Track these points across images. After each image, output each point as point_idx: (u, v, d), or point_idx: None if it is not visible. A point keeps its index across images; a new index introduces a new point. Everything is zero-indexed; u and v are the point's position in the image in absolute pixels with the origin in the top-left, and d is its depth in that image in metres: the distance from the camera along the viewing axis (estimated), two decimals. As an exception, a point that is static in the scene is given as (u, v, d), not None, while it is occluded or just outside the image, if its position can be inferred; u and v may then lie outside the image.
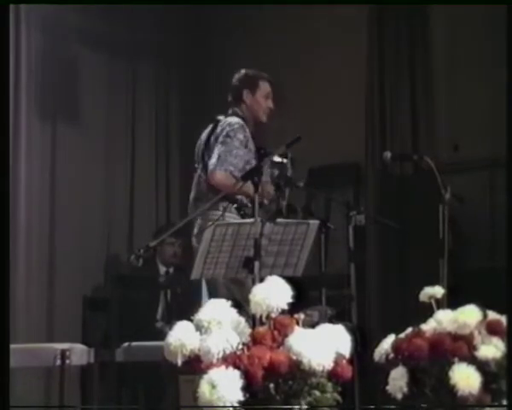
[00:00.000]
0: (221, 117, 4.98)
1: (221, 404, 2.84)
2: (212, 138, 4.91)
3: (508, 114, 3.89)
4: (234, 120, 4.89)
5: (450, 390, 3.19)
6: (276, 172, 4.84)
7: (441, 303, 3.56)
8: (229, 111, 5.00)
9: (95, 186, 7.26)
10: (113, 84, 7.51)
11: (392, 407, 3.31)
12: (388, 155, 5.45)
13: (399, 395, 3.27)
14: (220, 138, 4.84)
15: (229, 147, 4.80)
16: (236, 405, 2.86)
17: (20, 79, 6.59)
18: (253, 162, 4.79)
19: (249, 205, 4.72)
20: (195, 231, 4.83)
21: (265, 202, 4.72)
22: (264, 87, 5.01)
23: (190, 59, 8.01)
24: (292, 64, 7.59)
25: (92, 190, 7.21)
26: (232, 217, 4.69)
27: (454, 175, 5.93)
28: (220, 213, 4.61)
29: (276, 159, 4.82)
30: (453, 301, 3.59)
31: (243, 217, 4.73)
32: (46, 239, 6.81)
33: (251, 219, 4.29)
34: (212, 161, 4.81)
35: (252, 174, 4.29)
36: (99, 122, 7.37)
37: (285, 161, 4.84)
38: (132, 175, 7.64)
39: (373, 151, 7.24)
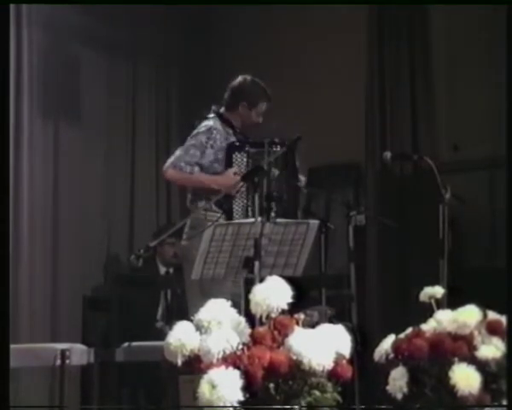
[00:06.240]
0: (208, 115, 5.09)
1: (221, 404, 2.84)
2: None
3: (508, 114, 3.89)
4: (206, 123, 4.99)
5: (450, 390, 3.19)
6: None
7: (441, 303, 3.56)
8: (221, 109, 5.06)
9: (95, 186, 7.26)
10: (114, 84, 7.52)
11: (392, 407, 3.32)
12: (388, 155, 5.44)
13: (399, 395, 3.28)
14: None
15: (185, 146, 4.94)
16: (236, 405, 2.86)
17: (22, 79, 6.58)
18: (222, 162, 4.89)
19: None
20: (186, 229, 4.87)
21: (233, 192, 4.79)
22: (262, 107, 5.05)
23: (190, 59, 8.01)
24: (292, 64, 7.59)
25: (92, 190, 7.22)
26: (215, 215, 4.69)
27: (454, 175, 5.93)
28: (219, 214, 4.66)
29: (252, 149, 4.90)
30: (453, 301, 3.59)
31: (227, 212, 4.76)
32: (48, 239, 6.81)
33: (251, 219, 4.29)
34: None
35: (252, 174, 4.31)
36: (99, 122, 7.37)
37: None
38: (132, 175, 7.64)
39: (373, 151, 7.24)
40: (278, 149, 4.81)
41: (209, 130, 4.94)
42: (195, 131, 4.97)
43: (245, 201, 4.84)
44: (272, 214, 4.52)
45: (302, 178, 5.00)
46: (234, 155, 4.90)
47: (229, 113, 5.05)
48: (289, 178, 4.84)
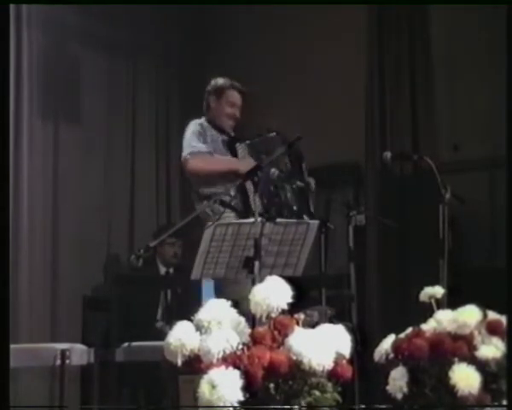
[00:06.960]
0: None
1: (221, 404, 2.84)
2: None
3: (508, 114, 3.89)
4: (193, 121, 5.08)
5: (451, 390, 3.19)
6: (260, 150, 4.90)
7: (441, 303, 3.56)
8: (203, 117, 5.18)
9: (95, 186, 7.26)
10: (114, 84, 7.52)
11: (392, 406, 3.32)
12: (388, 155, 5.44)
13: (399, 395, 3.27)
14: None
15: (187, 139, 4.98)
16: (236, 405, 2.86)
17: (22, 79, 6.58)
18: (225, 152, 4.95)
19: (231, 194, 4.77)
20: None
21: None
22: (231, 95, 5.13)
23: (190, 59, 8.01)
24: (292, 64, 7.59)
25: (92, 190, 7.22)
26: (229, 216, 4.70)
27: (454, 175, 5.93)
28: (232, 214, 4.67)
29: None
30: (453, 301, 3.59)
31: (235, 211, 4.76)
32: (48, 239, 6.81)
33: (251, 219, 4.29)
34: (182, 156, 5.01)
35: (252, 173, 4.31)
36: (99, 122, 7.37)
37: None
38: (132, 175, 7.64)
39: (373, 151, 7.24)
40: (274, 135, 4.84)
41: (198, 124, 5.03)
42: (186, 129, 5.04)
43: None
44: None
45: (312, 182, 5.00)
46: (235, 146, 4.92)
47: (209, 115, 5.11)
48: (294, 180, 4.84)
